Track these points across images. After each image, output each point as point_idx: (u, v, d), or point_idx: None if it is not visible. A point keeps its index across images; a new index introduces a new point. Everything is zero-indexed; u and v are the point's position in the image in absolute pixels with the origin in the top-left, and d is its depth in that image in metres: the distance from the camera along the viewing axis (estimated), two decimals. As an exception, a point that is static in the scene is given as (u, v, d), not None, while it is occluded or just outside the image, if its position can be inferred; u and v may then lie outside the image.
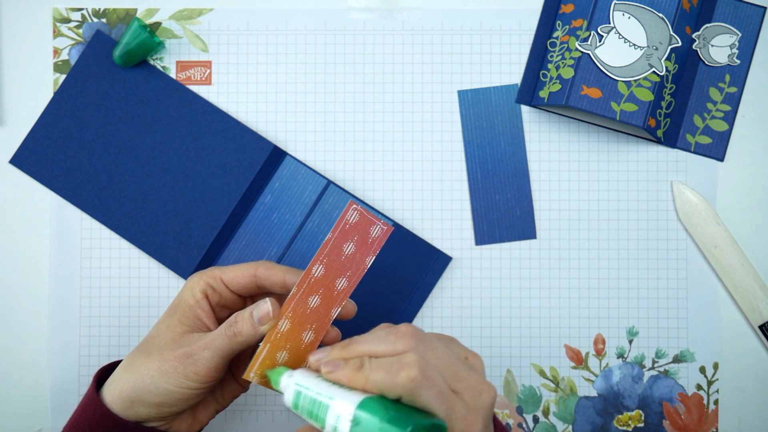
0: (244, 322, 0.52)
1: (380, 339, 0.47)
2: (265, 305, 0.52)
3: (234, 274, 0.55)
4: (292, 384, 0.48)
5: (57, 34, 0.67)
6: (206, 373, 0.52)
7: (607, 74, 0.62)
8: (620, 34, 0.63)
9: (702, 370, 0.66)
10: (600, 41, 0.63)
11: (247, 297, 0.57)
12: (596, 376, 0.66)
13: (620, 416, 0.66)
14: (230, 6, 0.67)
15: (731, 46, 0.66)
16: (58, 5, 0.67)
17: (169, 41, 0.67)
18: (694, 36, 0.65)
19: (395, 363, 0.44)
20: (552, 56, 0.65)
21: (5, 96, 0.67)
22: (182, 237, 0.65)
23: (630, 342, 0.66)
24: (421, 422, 0.43)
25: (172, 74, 0.67)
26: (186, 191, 0.66)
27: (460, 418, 0.45)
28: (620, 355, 0.66)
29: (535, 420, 0.66)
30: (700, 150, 0.66)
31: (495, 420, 0.50)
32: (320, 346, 0.52)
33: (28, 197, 0.66)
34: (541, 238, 0.66)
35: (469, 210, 0.66)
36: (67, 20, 0.67)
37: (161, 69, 0.67)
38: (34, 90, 0.67)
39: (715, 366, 0.66)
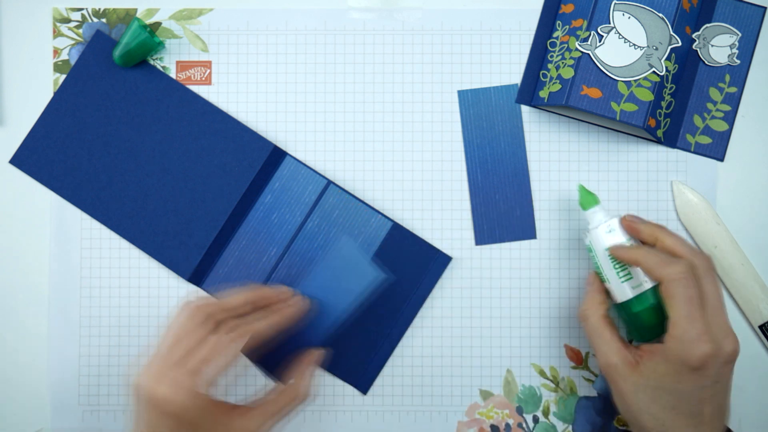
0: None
1: (692, 250, 0.56)
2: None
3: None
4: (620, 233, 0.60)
5: (57, 34, 0.67)
6: None
7: (607, 74, 0.62)
8: (620, 34, 0.63)
9: (702, 370, 0.66)
10: (600, 41, 0.63)
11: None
12: (596, 376, 0.66)
13: (620, 416, 0.66)
14: (230, 6, 0.67)
15: (731, 46, 0.66)
16: (58, 5, 0.67)
17: (169, 41, 0.67)
18: (694, 36, 0.65)
19: (675, 260, 0.55)
20: (552, 56, 0.65)
21: (5, 96, 0.67)
22: (182, 237, 0.65)
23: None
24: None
25: (172, 74, 0.67)
26: (186, 191, 0.66)
27: (696, 328, 0.53)
28: (620, 355, 0.66)
29: (535, 420, 0.66)
30: (700, 150, 0.66)
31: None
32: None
33: (28, 197, 0.66)
34: (541, 238, 0.66)
35: (469, 210, 0.66)
36: (67, 20, 0.67)
37: (161, 69, 0.67)
38: (34, 90, 0.67)
39: (715, 366, 0.66)
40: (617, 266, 0.59)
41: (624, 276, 0.59)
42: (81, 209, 0.66)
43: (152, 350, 0.54)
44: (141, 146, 0.66)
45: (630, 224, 0.60)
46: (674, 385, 0.53)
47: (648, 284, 0.58)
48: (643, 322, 0.59)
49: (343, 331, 0.65)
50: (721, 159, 0.66)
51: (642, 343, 0.59)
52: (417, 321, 0.66)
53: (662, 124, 0.64)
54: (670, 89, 0.64)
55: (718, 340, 0.53)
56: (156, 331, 0.66)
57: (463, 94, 0.67)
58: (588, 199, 0.61)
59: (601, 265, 0.60)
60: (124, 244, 0.66)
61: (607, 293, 0.60)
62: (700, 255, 0.56)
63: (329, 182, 0.66)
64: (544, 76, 0.65)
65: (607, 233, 0.60)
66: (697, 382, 0.53)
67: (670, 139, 0.66)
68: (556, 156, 0.66)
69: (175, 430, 0.52)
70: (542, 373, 0.66)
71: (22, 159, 0.66)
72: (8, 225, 0.67)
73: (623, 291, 0.59)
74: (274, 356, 0.60)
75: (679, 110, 0.66)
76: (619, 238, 0.60)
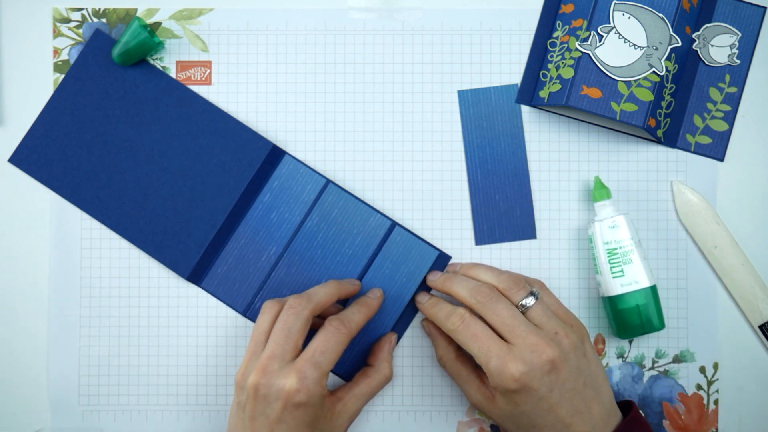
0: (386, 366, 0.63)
1: (466, 287, 0.60)
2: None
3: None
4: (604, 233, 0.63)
5: (57, 34, 0.67)
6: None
7: (607, 74, 0.62)
8: (620, 34, 0.63)
9: (702, 370, 0.66)
10: (600, 41, 0.63)
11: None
12: (596, 376, 0.66)
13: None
14: (230, 6, 0.67)
15: (731, 46, 0.66)
16: (58, 5, 0.67)
17: (169, 41, 0.67)
18: (694, 36, 0.65)
19: (451, 311, 0.60)
20: (552, 56, 0.65)
21: (5, 96, 0.67)
22: (181, 236, 0.65)
23: (630, 342, 0.66)
24: None
25: (172, 74, 0.67)
26: (185, 190, 0.66)
27: (495, 357, 0.56)
28: (620, 355, 0.66)
29: (535, 420, 0.66)
30: (700, 150, 0.66)
31: (635, 410, 0.59)
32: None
33: (28, 197, 0.66)
34: (541, 238, 0.66)
35: (469, 210, 0.66)
36: (67, 20, 0.67)
37: (161, 69, 0.67)
38: (34, 90, 0.67)
39: (715, 366, 0.66)
40: (613, 262, 0.61)
41: (617, 273, 0.62)
42: (80, 208, 0.66)
43: (252, 350, 0.58)
44: (140, 145, 0.66)
45: (427, 280, 0.64)
46: (519, 409, 0.57)
47: (637, 285, 0.61)
48: (626, 321, 0.62)
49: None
50: (721, 159, 0.66)
51: (623, 338, 0.64)
52: (417, 320, 0.66)
53: (662, 124, 0.64)
54: (670, 89, 0.64)
55: (526, 356, 0.56)
56: (157, 330, 0.66)
57: (463, 94, 0.67)
58: (601, 192, 0.63)
59: (598, 257, 0.62)
60: (124, 244, 0.66)
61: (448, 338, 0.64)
62: (477, 290, 0.59)
63: (328, 181, 0.66)
64: (544, 76, 0.65)
65: (609, 228, 0.62)
66: (531, 399, 0.56)
67: (670, 139, 0.66)
68: (556, 156, 0.66)
69: (300, 420, 0.56)
70: (542, 373, 0.66)
71: (21, 158, 0.66)
72: (8, 225, 0.67)
73: (613, 286, 0.62)
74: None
75: (679, 110, 0.66)
76: (621, 235, 0.61)
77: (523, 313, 0.59)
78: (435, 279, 0.63)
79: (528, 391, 0.56)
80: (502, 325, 0.58)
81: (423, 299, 0.64)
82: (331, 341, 0.57)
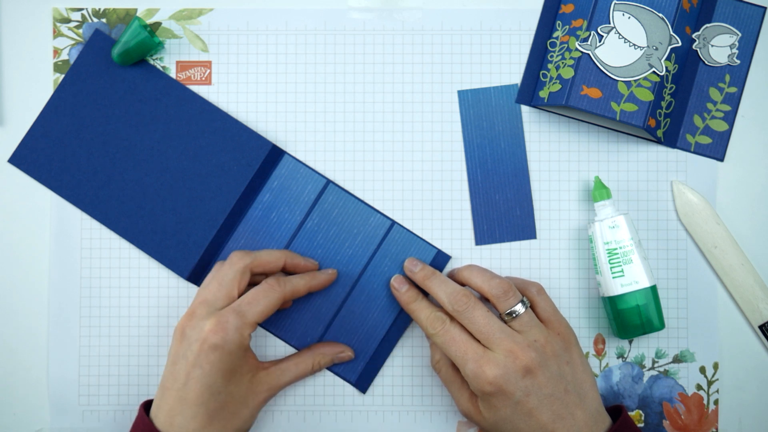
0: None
1: (445, 291, 0.60)
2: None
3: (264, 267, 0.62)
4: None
5: (57, 34, 0.67)
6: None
7: (607, 74, 0.62)
8: (620, 34, 0.63)
9: (702, 370, 0.66)
10: (600, 41, 0.63)
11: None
12: (596, 376, 0.66)
13: (620, 416, 0.66)
14: (230, 6, 0.67)
15: (731, 46, 0.66)
16: (58, 5, 0.67)
17: (169, 41, 0.67)
18: (694, 36, 0.65)
19: (431, 314, 0.61)
20: (552, 56, 0.65)
21: (5, 96, 0.67)
22: (181, 236, 0.65)
23: (630, 342, 0.66)
24: None
25: (172, 74, 0.67)
26: (184, 190, 0.66)
27: (471, 360, 0.57)
28: (620, 355, 0.66)
29: (535, 420, 0.66)
30: (700, 150, 0.66)
31: (624, 414, 0.59)
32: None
33: (28, 197, 0.66)
34: (541, 238, 0.66)
35: (469, 210, 0.66)
36: (67, 20, 0.67)
37: (161, 69, 0.67)
38: (34, 90, 0.67)
39: (715, 366, 0.66)
40: (613, 262, 0.62)
41: (617, 273, 0.62)
42: (79, 208, 0.66)
43: (193, 299, 0.60)
44: (139, 145, 0.66)
45: (407, 268, 0.64)
46: (500, 414, 0.58)
47: (637, 285, 0.61)
48: (626, 321, 0.62)
49: (342, 329, 0.65)
50: (721, 159, 0.66)
51: (623, 338, 0.64)
52: (417, 321, 0.66)
53: (662, 124, 0.64)
54: (670, 89, 0.64)
55: (501, 360, 0.57)
56: (156, 331, 0.66)
57: (463, 94, 0.67)
58: (601, 192, 0.63)
59: (598, 257, 0.62)
60: (124, 244, 0.66)
61: None
62: (454, 296, 0.60)
63: (328, 181, 0.66)
64: (544, 76, 0.65)
65: (609, 228, 0.62)
66: (508, 403, 0.57)
67: (670, 139, 0.66)
68: (556, 156, 0.66)
69: (214, 365, 0.57)
70: (542, 373, 0.66)
71: (21, 158, 0.66)
72: (8, 225, 0.67)
73: (613, 286, 0.62)
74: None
75: (679, 110, 0.66)
76: (621, 235, 0.61)
77: (513, 320, 0.59)
78: (415, 271, 0.63)
79: (504, 395, 0.57)
80: (478, 333, 0.58)
81: (401, 288, 0.64)
82: (260, 295, 0.59)
